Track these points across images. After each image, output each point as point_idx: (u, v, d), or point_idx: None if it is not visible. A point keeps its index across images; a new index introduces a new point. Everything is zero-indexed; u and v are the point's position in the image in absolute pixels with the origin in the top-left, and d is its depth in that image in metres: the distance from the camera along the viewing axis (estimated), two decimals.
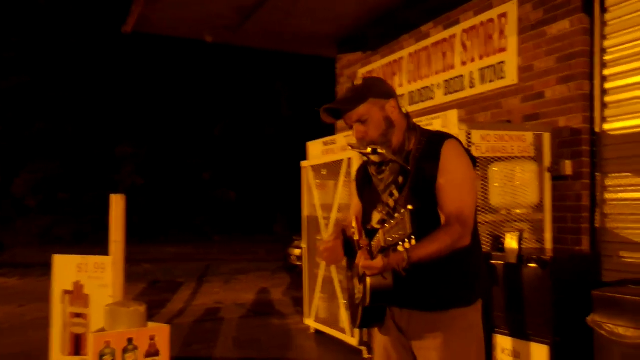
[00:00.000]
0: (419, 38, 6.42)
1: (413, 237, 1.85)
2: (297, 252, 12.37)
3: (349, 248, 2.55)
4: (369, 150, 2.33)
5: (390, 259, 2.06)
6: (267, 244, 19.56)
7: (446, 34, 5.96)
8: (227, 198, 26.65)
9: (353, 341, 5.46)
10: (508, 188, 4.39)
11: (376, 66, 7.20)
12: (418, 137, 2.37)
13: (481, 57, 5.44)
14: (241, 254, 17.13)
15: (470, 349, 2.35)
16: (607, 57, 4.33)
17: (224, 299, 9.18)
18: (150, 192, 24.05)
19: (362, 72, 7.51)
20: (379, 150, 2.32)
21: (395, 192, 2.32)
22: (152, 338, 3.12)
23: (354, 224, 2.30)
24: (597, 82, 4.36)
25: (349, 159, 5.56)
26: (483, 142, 4.26)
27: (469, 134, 4.20)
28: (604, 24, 4.36)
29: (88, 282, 4.56)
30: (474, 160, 2.39)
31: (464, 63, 5.67)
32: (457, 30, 5.80)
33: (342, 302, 5.71)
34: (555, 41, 4.64)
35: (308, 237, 6.60)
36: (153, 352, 3.10)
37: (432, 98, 6.11)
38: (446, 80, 5.91)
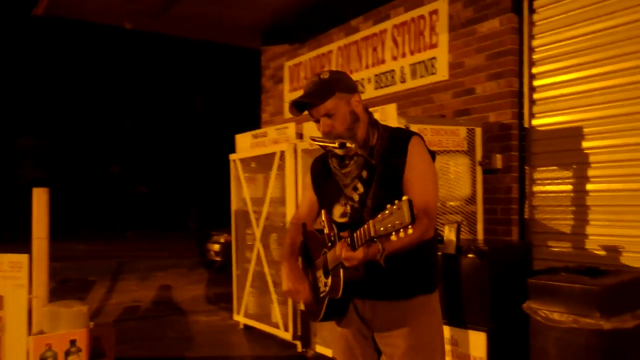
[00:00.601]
0: (348, 32, 6.44)
1: (411, 226, 1.84)
2: (215, 247, 12.15)
3: (305, 246, 2.57)
4: (337, 144, 2.30)
5: (369, 251, 2.07)
6: (182, 239, 19.07)
7: (376, 28, 6.01)
8: (138, 193, 25.73)
9: (287, 335, 5.41)
10: (442, 181, 4.49)
11: (304, 59, 7.16)
12: (380, 132, 2.40)
13: (412, 53, 5.54)
14: (156, 250, 16.58)
15: (435, 334, 2.42)
16: (535, 56, 4.53)
17: (143, 296, 8.84)
18: (55, 186, 22.78)
19: (289, 64, 7.45)
20: (348, 145, 2.30)
21: (360, 187, 2.34)
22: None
23: (323, 218, 2.27)
24: (526, 79, 4.54)
25: (282, 152, 5.50)
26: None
27: (407, 127, 4.25)
28: (532, 24, 4.55)
29: (2, 282, 4.23)
30: (433, 156, 2.45)
31: (394, 58, 5.75)
32: (387, 25, 5.87)
33: (275, 296, 5.65)
34: (486, 39, 4.80)
35: (236, 231, 6.47)
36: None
37: (362, 92, 6.14)
38: (377, 75, 5.97)
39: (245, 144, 6.35)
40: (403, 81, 5.63)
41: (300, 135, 5.50)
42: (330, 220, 2.29)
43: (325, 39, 6.80)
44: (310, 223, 2.70)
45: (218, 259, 11.94)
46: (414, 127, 4.28)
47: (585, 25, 4.21)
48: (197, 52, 23.04)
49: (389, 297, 2.35)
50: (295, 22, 7.28)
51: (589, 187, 4.14)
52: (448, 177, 4.54)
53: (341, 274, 2.20)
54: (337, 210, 2.40)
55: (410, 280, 2.35)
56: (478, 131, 4.61)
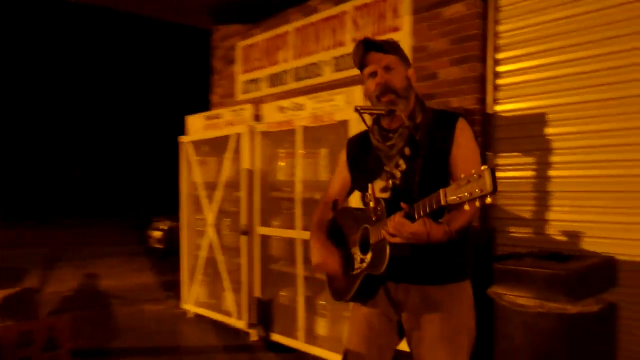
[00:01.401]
0: (306, 12, 6.28)
1: (492, 195, 1.76)
2: (157, 234, 11.75)
3: (336, 224, 2.55)
4: (385, 111, 2.31)
5: (431, 229, 2.04)
6: (120, 226, 18.43)
7: (336, 10, 5.87)
8: (72, 178, 24.69)
9: (241, 324, 5.24)
10: None
11: (258, 39, 6.94)
12: (425, 110, 2.40)
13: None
14: (93, 237, 15.93)
15: (469, 322, 2.38)
16: (500, 41, 4.50)
17: (81, 285, 8.44)
18: None
19: (242, 45, 7.21)
20: (397, 112, 2.29)
21: (402, 163, 2.31)
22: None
23: (370, 192, 2.27)
24: (489, 65, 4.51)
25: (238, 134, 5.29)
26: None
27: None
28: (497, 9, 4.52)
29: None
30: None
31: (355, 40, 5.63)
32: (347, 6, 5.74)
33: (228, 284, 5.46)
34: (450, 23, 4.75)
35: (185, 216, 6.22)
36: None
37: (320, 75, 6.00)
38: (336, 57, 5.83)
39: (197, 126, 6.10)
40: None
41: (257, 117, 5.31)
42: (376, 194, 2.27)
43: (281, 20, 6.61)
44: (340, 202, 2.68)
45: (160, 246, 11.56)
46: None
47: (550, 13, 4.21)
48: (141, 30, 22.23)
49: (429, 281, 2.29)
50: (249, 1, 7.03)
51: (551, 173, 4.16)
52: None
53: (387, 249, 2.14)
54: (378, 185, 2.36)
55: (452, 265, 2.33)
56: None
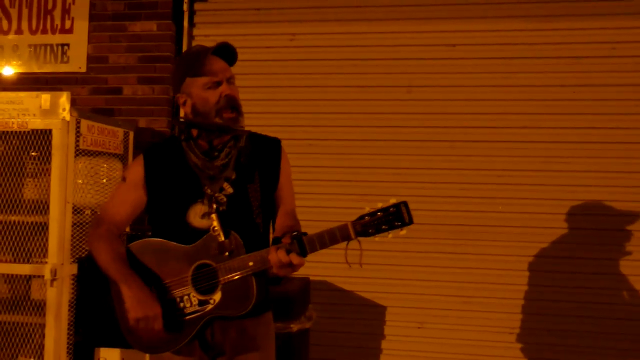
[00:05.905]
0: None
1: (407, 226, 1.83)
2: None
3: (135, 260, 2.13)
4: (232, 129, 2.07)
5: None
6: None
7: None
8: None
9: None
10: (98, 186, 4.02)
11: None
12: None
13: (34, 32, 4.69)
14: None
15: (274, 350, 2.33)
16: None
17: None
18: None
19: None
20: (241, 133, 2.12)
21: (228, 187, 2.11)
22: None
23: (215, 224, 2.00)
24: None
25: None
26: (89, 133, 3.79)
27: (79, 122, 3.66)
28: (192, 37, 4.59)
29: None
30: None
31: (4, 32, 4.72)
32: None
33: None
34: (139, 39, 4.56)
35: None
36: None
37: None
38: None
39: None
40: (17, 63, 4.68)
41: None
42: (225, 225, 2.01)
43: None
44: (123, 230, 2.27)
45: None
46: (84, 123, 3.73)
47: (243, 53, 4.53)
48: None
49: (249, 313, 2.07)
50: None
51: None
52: (101, 181, 4.08)
53: (254, 285, 1.99)
54: (197, 210, 2.09)
55: (265, 293, 2.20)
56: (132, 135, 4.32)
